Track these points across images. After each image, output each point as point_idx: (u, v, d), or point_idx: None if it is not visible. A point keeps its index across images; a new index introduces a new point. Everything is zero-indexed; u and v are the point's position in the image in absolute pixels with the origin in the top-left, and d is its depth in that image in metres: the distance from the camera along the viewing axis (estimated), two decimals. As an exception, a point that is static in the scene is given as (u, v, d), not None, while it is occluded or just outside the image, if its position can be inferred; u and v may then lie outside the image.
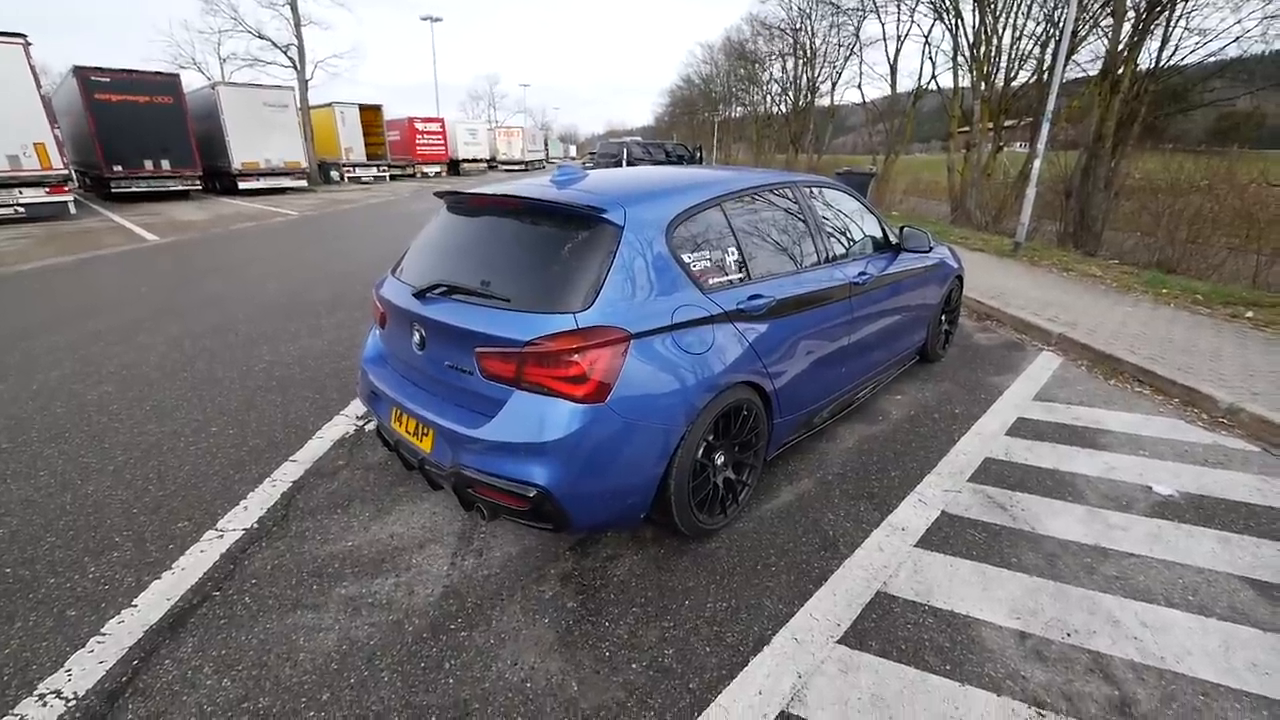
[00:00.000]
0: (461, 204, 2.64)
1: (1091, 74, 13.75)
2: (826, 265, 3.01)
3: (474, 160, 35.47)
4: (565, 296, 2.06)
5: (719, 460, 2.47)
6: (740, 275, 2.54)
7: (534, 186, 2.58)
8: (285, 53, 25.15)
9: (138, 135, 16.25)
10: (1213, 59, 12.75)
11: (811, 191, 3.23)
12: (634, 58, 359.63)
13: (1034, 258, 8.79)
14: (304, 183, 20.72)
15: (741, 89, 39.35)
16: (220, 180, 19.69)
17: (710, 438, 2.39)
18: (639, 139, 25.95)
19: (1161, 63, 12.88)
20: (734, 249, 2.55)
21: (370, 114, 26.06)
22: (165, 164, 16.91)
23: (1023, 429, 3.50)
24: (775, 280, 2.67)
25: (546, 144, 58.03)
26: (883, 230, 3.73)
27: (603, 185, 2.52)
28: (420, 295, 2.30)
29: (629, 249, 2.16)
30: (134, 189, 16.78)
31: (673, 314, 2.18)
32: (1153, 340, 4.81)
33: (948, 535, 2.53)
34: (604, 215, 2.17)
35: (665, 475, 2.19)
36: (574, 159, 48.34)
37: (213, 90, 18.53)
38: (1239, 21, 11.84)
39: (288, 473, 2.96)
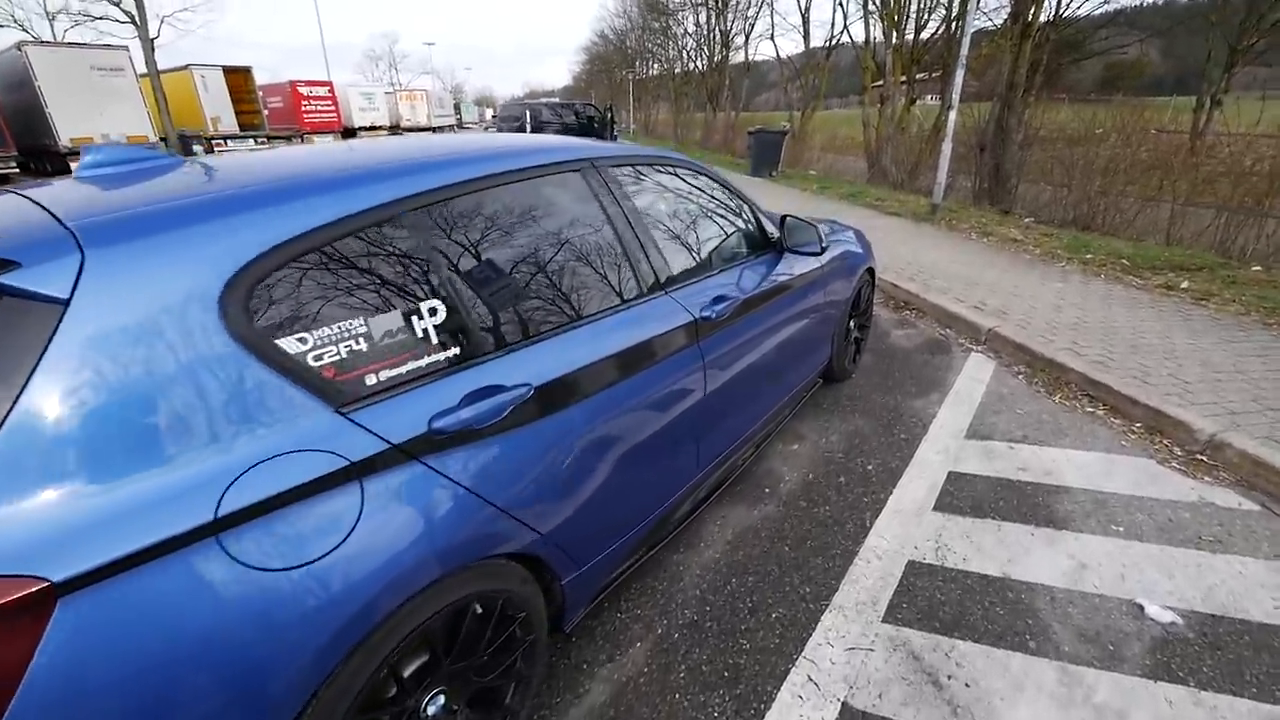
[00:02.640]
0: None
1: (995, 24, 13.26)
2: (652, 297, 1.83)
3: (372, 128, 32.13)
4: None
5: (430, 710, 1.29)
6: (450, 353, 1.31)
7: None
8: (119, 6, 21.34)
9: (-84, 110, 13.17)
10: (1100, 10, 12.40)
11: (629, 177, 2.02)
12: (555, 16, 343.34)
13: (952, 220, 7.98)
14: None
15: (657, 44, 37.27)
16: (49, 162, 16.54)
17: (407, 669, 1.22)
18: (553, 101, 23.94)
19: (1061, 12, 12.51)
20: (436, 302, 1.32)
21: (238, 78, 22.74)
22: (-40, 144, 13.88)
23: (957, 496, 2.50)
24: (538, 346, 1.47)
25: (458, 108, 54.17)
26: (758, 225, 2.58)
27: (125, 190, 1.21)
28: None
29: (85, 351, 0.90)
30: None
31: (230, 489, 0.95)
32: (1094, 331, 3.94)
33: (851, 773, 1.47)
34: (15, 271, 0.90)
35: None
36: (490, 123, 45.21)
37: (19, 52, 15.29)
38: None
39: None
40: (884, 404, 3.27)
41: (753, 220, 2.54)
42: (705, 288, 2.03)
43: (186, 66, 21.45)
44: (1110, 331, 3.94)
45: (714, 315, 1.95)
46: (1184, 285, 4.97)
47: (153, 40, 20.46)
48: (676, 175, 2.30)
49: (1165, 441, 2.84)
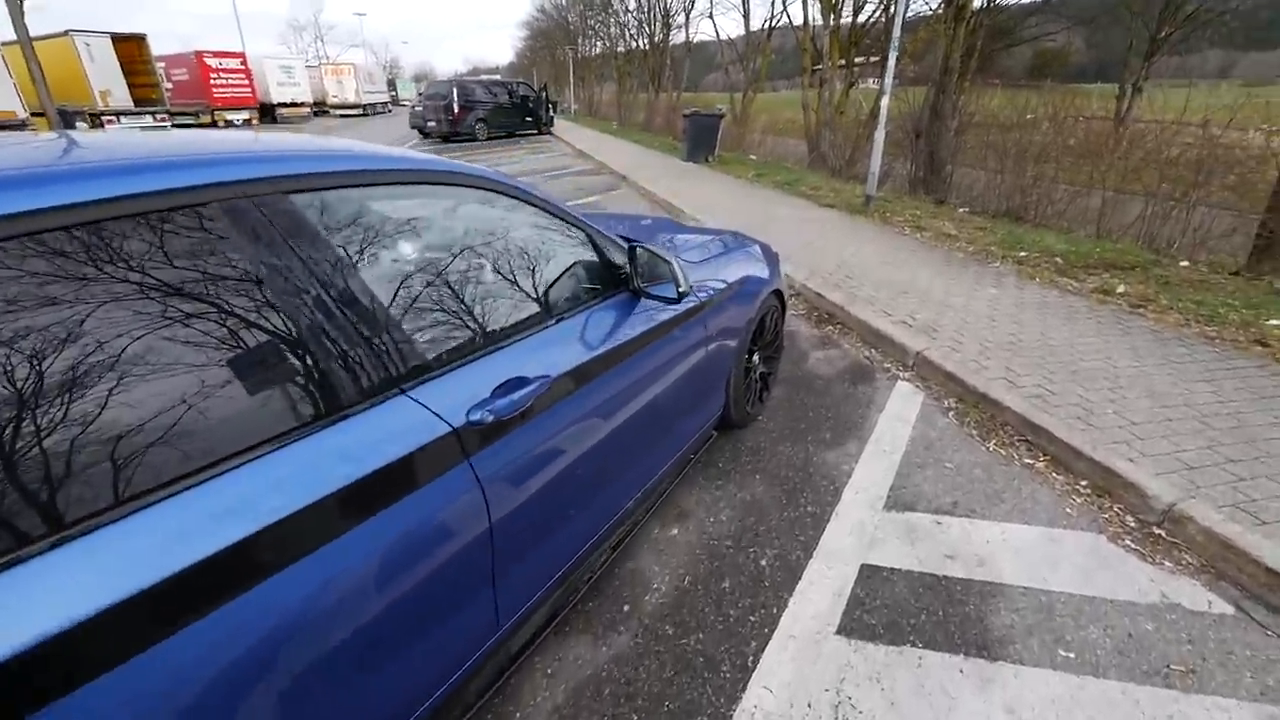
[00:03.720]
0: None
1: (932, 8, 12.94)
2: (367, 407, 1.11)
3: (293, 105, 29.72)
4: None
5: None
6: None
7: None
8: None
9: None
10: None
11: (350, 207, 1.24)
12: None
13: (886, 213, 7.50)
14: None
15: (599, 20, 35.78)
16: (-108, 139, 14.29)
17: None
18: (485, 79, 22.43)
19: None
20: None
21: (130, 46, 20.46)
22: None
23: (870, 607, 1.91)
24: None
25: (394, 84, 51.26)
26: (602, 262, 1.87)
27: None
28: None
29: None
30: None
31: None
32: (1031, 352, 3.46)
33: None
34: None
35: None
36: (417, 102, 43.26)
37: None
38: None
39: None
40: (792, 459, 2.67)
41: (593, 255, 1.84)
42: (486, 370, 1.33)
43: (66, 33, 19.07)
44: (1048, 352, 3.46)
45: (493, 415, 1.25)
46: (1120, 290, 4.58)
47: (20, 3, 17.94)
48: (461, 198, 1.57)
49: (1116, 508, 2.33)
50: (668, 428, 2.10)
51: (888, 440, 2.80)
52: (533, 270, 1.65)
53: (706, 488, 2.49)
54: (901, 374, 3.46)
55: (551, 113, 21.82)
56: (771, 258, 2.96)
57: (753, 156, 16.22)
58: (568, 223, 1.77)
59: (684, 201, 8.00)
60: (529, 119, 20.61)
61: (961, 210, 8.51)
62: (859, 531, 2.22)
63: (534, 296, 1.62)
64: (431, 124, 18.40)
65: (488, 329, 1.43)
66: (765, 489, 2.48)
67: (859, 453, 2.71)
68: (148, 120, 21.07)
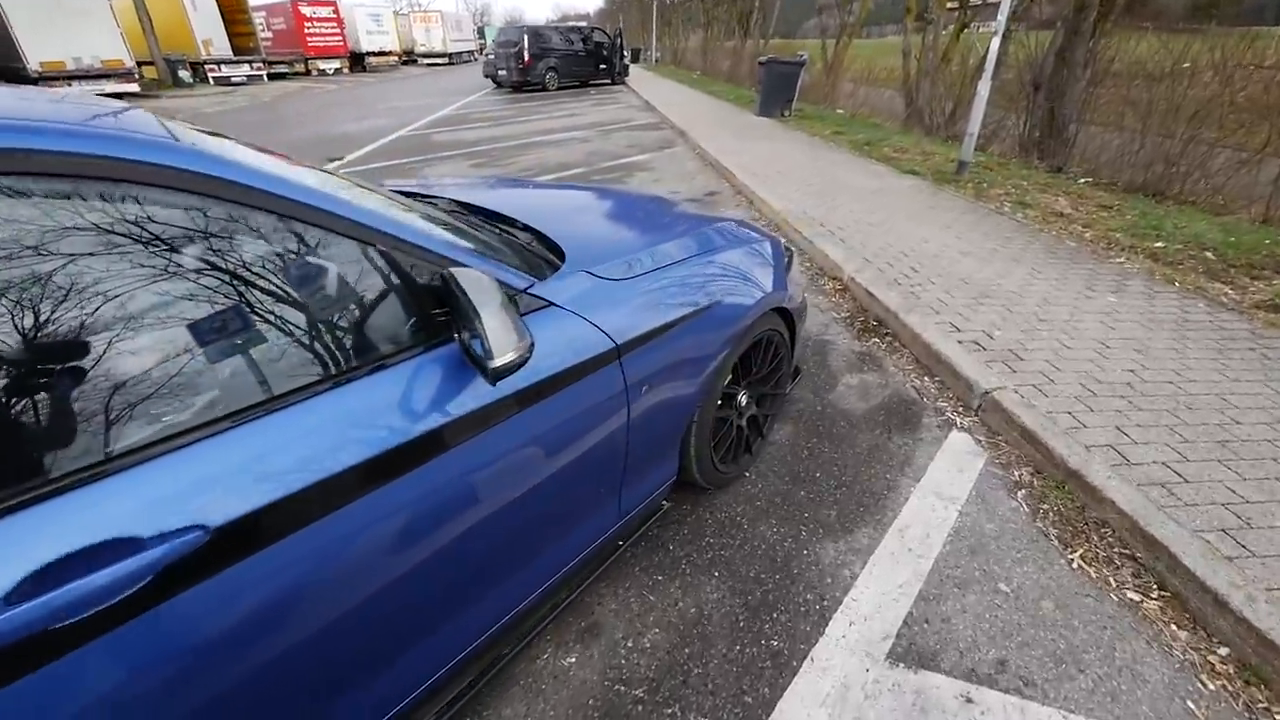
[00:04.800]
0: None
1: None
2: None
3: (381, 53, 29.97)
4: None
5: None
6: None
7: None
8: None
9: None
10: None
11: None
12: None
13: (982, 184, 6.17)
14: (133, 87, 16.44)
15: (689, -41, 33.24)
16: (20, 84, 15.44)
17: None
18: (560, 24, 21.43)
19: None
20: None
21: (230, -4, 21.01)
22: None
23: None
24: None
25: (483, 32, 50.86)
26: (408, 289, 1.15)
27: None
28: None
29: None
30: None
31: None
32: (1157, 405, 2.43)
33: None
34: None
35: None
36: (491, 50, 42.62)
37: (-26, -36, 13.94)
38: None
39: None
40: (771, 551, 1.91)
41: (398, 286, 1.13)
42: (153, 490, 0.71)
43: (171, -17, 19.75)
44: (1184, 404, 2.42)
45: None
46: (1302, 306, 3.32)
47: (131, -48, 18.65)
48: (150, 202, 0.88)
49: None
50: (555, 522, 1.42)
51: (918, 532, 1.96)
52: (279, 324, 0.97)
53: (639, 584, 1.78)
54: (959, 420, 2.53)
55: (626, 61, 20.56)
56: (780, 259, 2.13)
57: (840, 110, 14.50)
58: (362, 235, 1.06)
59: (737, 163, 6.96)
60: (602, 68, 19.51)
61: (1083, 181, 6.95)
62: (838, 701, 1.46)
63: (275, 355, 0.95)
64: (502, 72, 17.78)
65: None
66: (720, 598, 1.74)
67: (871, 549, 1.90)
68: (245, 69, 21.78)
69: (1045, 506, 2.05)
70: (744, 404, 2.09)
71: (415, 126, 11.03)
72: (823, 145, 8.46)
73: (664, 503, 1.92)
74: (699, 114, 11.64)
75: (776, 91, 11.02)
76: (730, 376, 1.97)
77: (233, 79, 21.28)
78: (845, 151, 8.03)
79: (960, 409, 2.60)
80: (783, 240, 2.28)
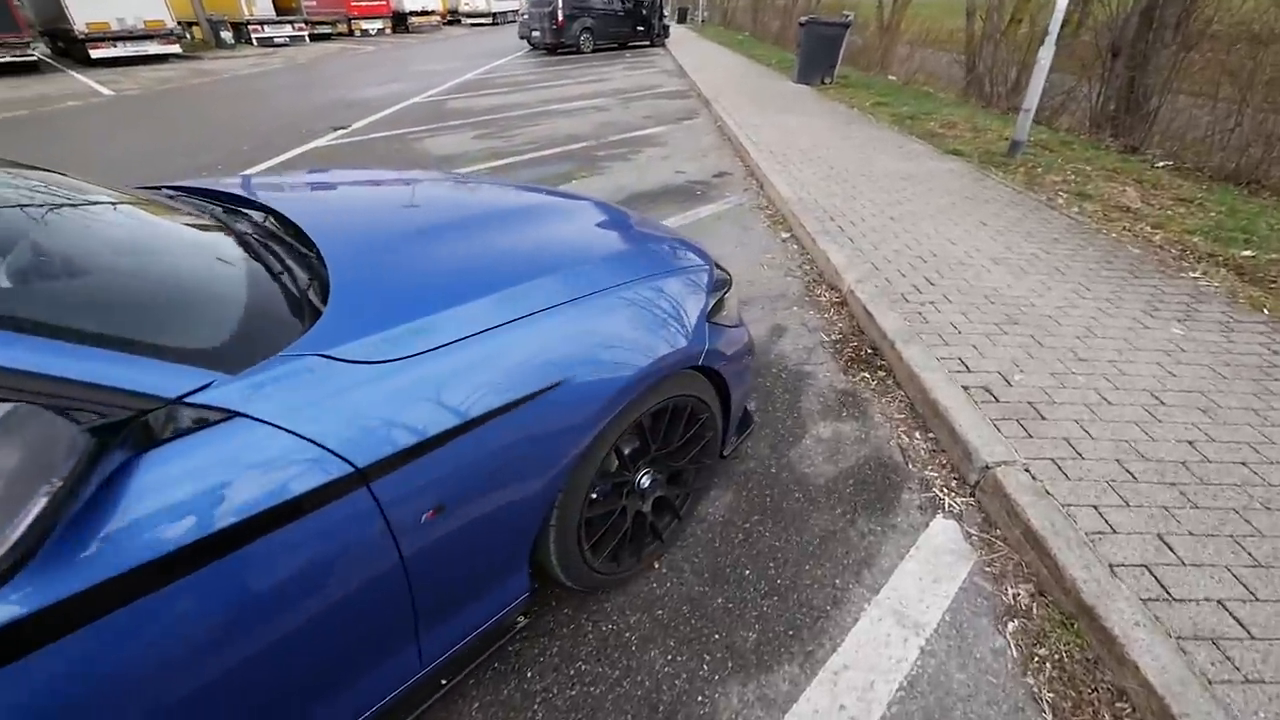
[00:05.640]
0: None
1: None
2: None
3: (424, 13, 29.37)
4: None
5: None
6: None
7: None
8: None
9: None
10: None
11: None
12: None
13: (1035, 169, 5.30)
14: (176, 48, 16.48)
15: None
16: (72, 49, 15.73)
17: None
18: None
19: None
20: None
21: (273, -45, 20.75)
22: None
23: None
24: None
25: (530, -9, 49.27)
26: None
27: None
28: None
29: None
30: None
31: None
32: (1222, 501, 1.80)
33: None
34: None
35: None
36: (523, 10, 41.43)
37: (19, -78, 13.98)
38: None
39: None
40: (654, 689, 1.43)
41: None
42: None
43: (213, -59, 19.60)
44: (1265, 506, 1.78)
45: None
46: None
47: (175, -90, 18.48)
48: None
49: None
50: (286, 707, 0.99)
51: (858, 679, 1.44)
52: None
53: (471, 738, 1.35)
54: (948, 501, 1.97)
55: (667, 21, 19.37)
56: (701, 299, 1.59)
57: (891, 78, 13.24)
58: None
59: (757, 139, 6.24)
60: (640, 28, 18.43)
61: (1160, 165, 5.93)
62: None
63: None
64: (535, 34, 17.01)
65: None
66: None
67: (790, 701, 1.40)
68: (288, 30, 21.65)
69: (1043, 653, 1.50)
70: (646, 485, 1.60)
71: (435, 92, 10.57)
72: (859, 119, 7.57)
73: (520, 619, 1.46)
74: (731, 81, 10.73)
75: (817, 56, 10.00)
76: (619, 459, 1.48)
77: (275, 40, 21.20)
78: (884, 126, 7.15)
79: (953, 484, 2.03)
80: (714, 267, 1.73)
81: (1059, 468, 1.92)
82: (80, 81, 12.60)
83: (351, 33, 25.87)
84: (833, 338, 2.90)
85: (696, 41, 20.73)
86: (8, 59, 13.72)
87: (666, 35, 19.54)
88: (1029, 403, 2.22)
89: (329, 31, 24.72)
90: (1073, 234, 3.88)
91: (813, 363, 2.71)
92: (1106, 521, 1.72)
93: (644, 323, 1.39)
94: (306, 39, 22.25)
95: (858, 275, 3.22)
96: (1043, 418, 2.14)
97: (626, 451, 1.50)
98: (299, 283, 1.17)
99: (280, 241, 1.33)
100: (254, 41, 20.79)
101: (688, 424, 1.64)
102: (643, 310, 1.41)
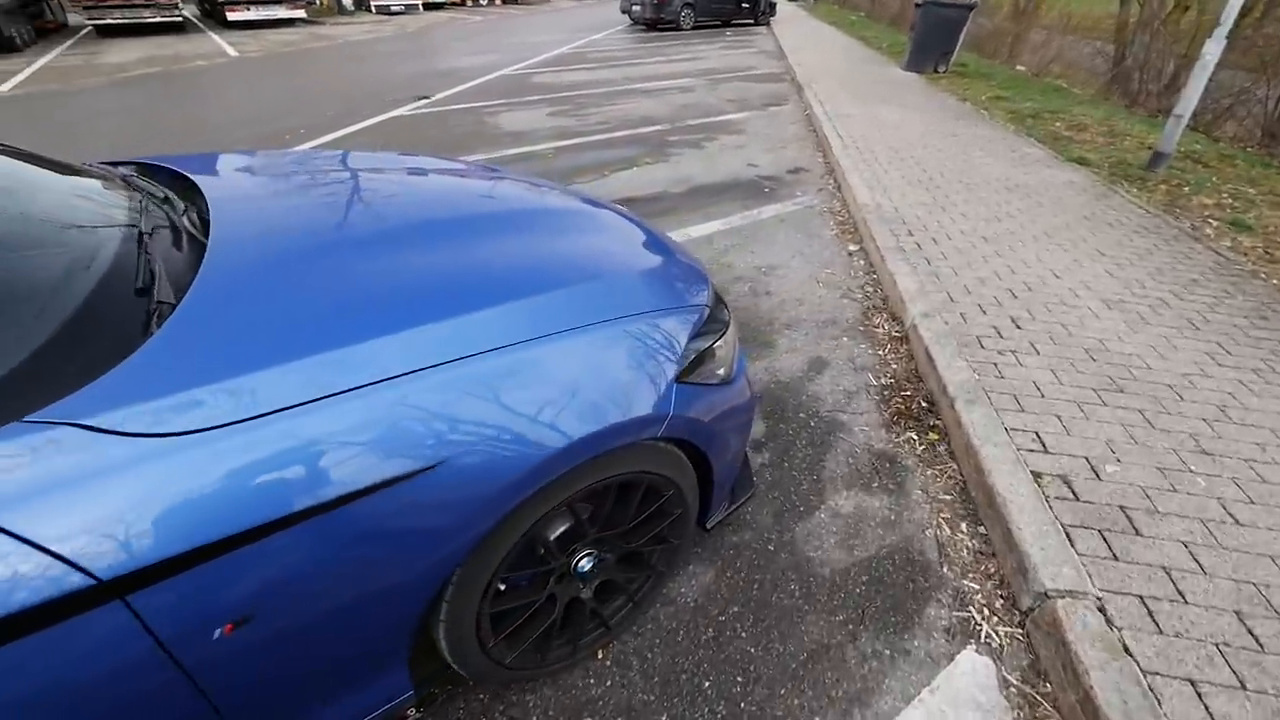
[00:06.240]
0: None
1: None
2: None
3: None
4: None
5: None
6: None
7: None
8: None
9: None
10: None
11: None
12: None
13: (1181, 187, 4.40)
14: (301, 12, 17.42)
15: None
16: (214, 11, 17.00)
17: None
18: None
19: None
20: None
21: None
22: (131, -12, 14.45)
23: None
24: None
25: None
26: None
27: None
28: None
29: None
30: (108, 20, 14.59)
31: None
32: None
33: None
34: None
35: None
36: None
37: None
38: None
39: None
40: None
41: None
42: None
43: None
44: None
45: None
46: None
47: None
48: None
49: None
50: None
51: None
52: None
53: None
54: (985, 628, 1.53)
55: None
56: (679, 346, 1.25)
57: (1020, 68, 11.79)
58: None
59: (845, 133, 5.61)
60: (744, 5, 17.48)
61: (1354, 194, 4.77)
62: None
63: None
64: (636, 8, 16.55)
65: None
66: None
67: None
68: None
69: None
70: (586, 569, 1.30)
71: (524, 65, 10.47)
72: (970, 114, 6.68)
73: (411, 711, 1.22)
74: (831, 66, 9.89)
75: (932, 41, 8.98)
76: (542, 546, 1.19)
77: (392, 7, 21.97)
78: (997, 124, 6.26)
79: (997, 605, 1.58)
80: (706, 307, 1.37)
81: (1150, 612, 1.43)
82: (214, 43, 13.57)
83: (463, 2, 26.43)
84: (881, 382, 2.44)
85: (805, 21, 19.49)
86: (157, 19, 15.01)
87: (772, 13, 18.47)
88: (1122, 508, 1.71)
89: (442, 0, 25.36)
90: (1219, 275, 3.13)
91: (850, 411, 2.27)
92: (1209, 711, 1.24)
93: (577, 388, 1.07)
94: (420, 7, 22.92)
95: (927, 306, 2.71)
96: (1138, 533, 1.64)
97: (553, 536, 1.20)
98: (122, 305, 0.93)
99: (156, 242, 1.11)
100: (372, 9, 21.65)
101: (643, 502, 1.31)
102: (579, 371, 1.09)
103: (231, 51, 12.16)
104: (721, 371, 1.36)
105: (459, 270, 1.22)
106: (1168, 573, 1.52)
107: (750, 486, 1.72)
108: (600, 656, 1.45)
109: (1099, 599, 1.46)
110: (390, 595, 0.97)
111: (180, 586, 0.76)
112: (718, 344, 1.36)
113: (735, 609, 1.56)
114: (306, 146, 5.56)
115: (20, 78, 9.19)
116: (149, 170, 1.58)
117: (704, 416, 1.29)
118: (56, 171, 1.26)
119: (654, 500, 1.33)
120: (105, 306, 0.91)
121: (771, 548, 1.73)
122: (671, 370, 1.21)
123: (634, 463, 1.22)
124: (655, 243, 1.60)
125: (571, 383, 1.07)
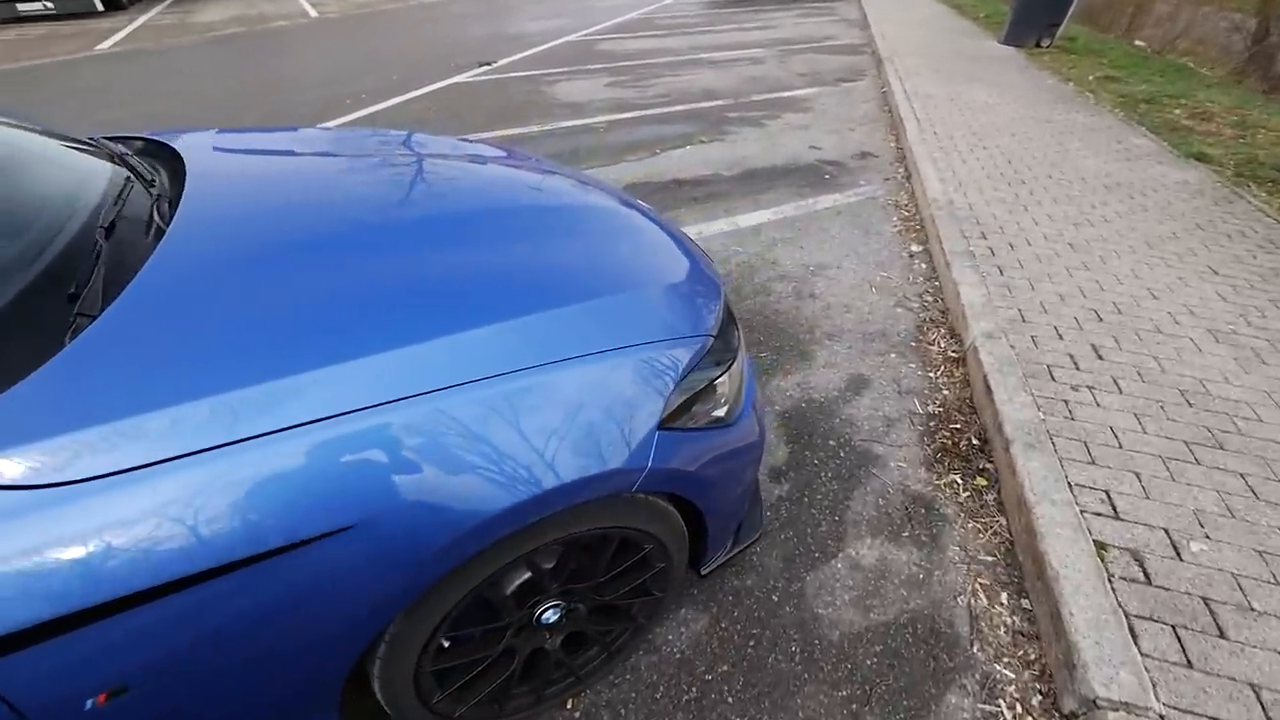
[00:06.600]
0: None
1: None
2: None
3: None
4: None
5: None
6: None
7: None
8: None
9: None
10: None
11: None
12: None
13: (1325, 197, 3.72)
14: (381, -25, 17.58)
15: None
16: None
17: None
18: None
19: None
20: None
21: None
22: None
23: None
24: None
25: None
26: None
27: None
28: None
29: None
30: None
31: None
32: None
33: None
34: None
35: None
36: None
37: None
38: None
39: None
40: None
41: None
42: None
43: None
44: None
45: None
46: None
47: None
48: None
49: None
50: None
51: None
52: None
53: None
54: (1017, 732, 1.30)
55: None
56: (674, 378, 1.07)
57: (1139, 43, 10.47)
58: None
59: (923, 115, 5.09)
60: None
61: None
62: None
63: None
64: (713, -29, 15.75)
65: None
66: None
67: None
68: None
69: None
70: (551, 620, 1.16)
71: (591, 30, 10.18)
72: (1072, 97, 5.94)
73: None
74: (918, 37, 9.07)
75: (1037, 10, 8.04)
76: (496, 601, 1.06)
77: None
78: (1103, 110, 5.53)
79: (1033, 704, 1.34)
80: (709, 336, 1.17)
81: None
82: (297, 3, 13.90)
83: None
84: (928, 410, 2.16)
85: (895, -14, 18.02)
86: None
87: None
88: (1206, 600, 1.42)
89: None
90: (1364, 308, 2.61)
91: (888, 443, 2.02)
92: None
93: (528, 437, 0.92)
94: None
95: (992, 325, 2.38)
96: (1224, 635, 1.35)
97: (508, 591, 1.06)
98: (42, 317, 0.83)
99: (117, 237, 1.01)
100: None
101: (618, 555, 1.16)
102: (534, 417, 0.93)
103: (312, 12, 12.42)
104: (720, 413, 1.17)
105: (427, 285, 1.07)
106: (1257, 694, 1.25)
107: (759, 526, 1.54)
108: (570, 706, 1.33)
109: (1173, 711, 1.20)
110: (303, 657, 0.86)
111: (41, 656, 0.66)
112: (720, 379, 1.17)
113: (725, 668, 1.40)
114: (367, 112, 5.57)
115: (121, 34, 9.71)
116: (154, 148, 1.51)
117: (691, 466, 1.11)
118: (43, 147, 1.20)
119: (632, 553, 1.17)
120: (19, 319, 0.82)
121: (776, 598, 1.55)
122: (652, 416, 1.03)
123: (604, 517, 1.06)
124: (660, 247, 1.40)
125: (522, 432, 0.91)
